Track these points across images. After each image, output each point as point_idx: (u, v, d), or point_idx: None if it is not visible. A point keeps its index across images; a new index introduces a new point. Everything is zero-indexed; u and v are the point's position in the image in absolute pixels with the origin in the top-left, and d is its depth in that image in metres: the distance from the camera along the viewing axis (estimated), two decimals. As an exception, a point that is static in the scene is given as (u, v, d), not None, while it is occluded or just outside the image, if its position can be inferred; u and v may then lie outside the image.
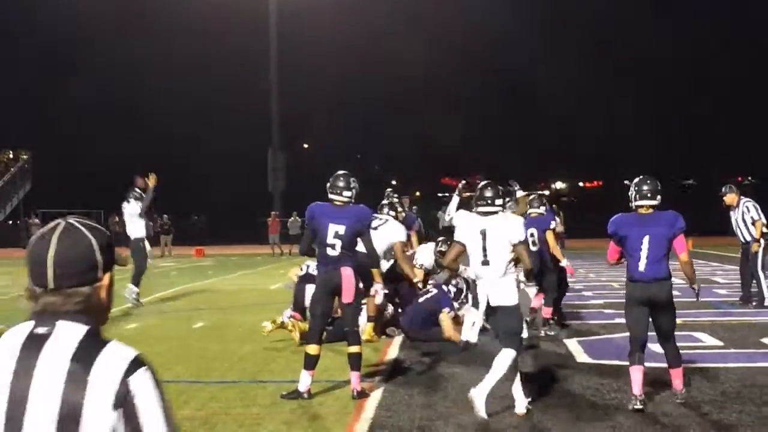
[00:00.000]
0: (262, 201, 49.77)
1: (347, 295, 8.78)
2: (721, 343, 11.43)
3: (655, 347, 11.03)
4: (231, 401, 8.57)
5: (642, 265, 8.22)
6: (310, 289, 11.26)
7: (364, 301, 11.05)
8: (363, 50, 70.10)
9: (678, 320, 13.29)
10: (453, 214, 9.13)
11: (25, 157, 55.90)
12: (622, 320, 13.21)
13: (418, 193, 67.25)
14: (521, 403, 8.02)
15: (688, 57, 71.41)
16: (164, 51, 66.67)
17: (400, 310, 12.96)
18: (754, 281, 15.65)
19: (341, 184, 9.09)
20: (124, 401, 2.28)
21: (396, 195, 15.71)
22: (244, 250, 40.59)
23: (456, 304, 12.08)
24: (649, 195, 8.41)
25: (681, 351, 10.73)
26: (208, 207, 66.17)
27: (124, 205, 17.76)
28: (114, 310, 14.44)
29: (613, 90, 72.01)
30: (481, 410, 7.56)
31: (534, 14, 73.48)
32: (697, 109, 72.17)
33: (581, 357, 10.66)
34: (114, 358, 2.34)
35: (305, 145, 75.81)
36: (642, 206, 8.42)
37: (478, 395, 7.69)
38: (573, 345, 11.42)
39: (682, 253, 8.51)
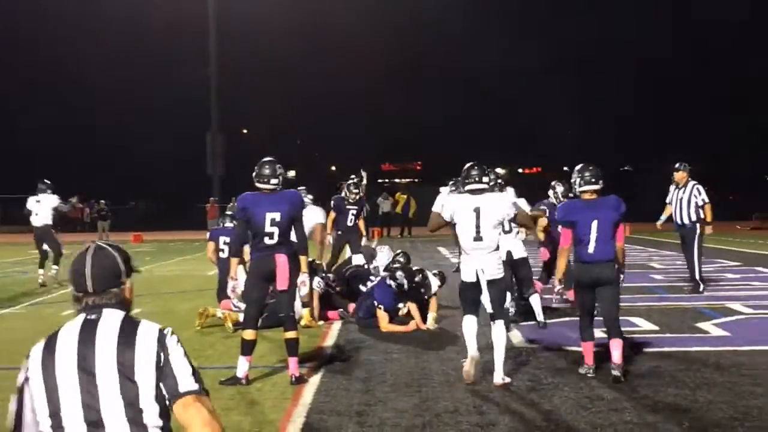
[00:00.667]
0: (200, 187, 49.45)
1: (282, 282, 8.76)
2: (657, 328, 11.55)
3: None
4: (168, 387, 8.49)
5: (591, 248, 8.71)
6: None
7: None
8: (304, 35, 69.78)
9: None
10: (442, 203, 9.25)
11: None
12: (560, 305, 13.47)
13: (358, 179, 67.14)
14: (499, 374, 8.54)
15: (628, 42, 71.94)
16: (101, 31, 65.80)
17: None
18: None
19: (267, 171, 9.08)
20: (161, 356, 3.37)
21: (356, 178, 16.58)
22: (182, 236, 40.30)
23: (401, 305, 12.12)
24: (593, 180, 8.91)
25: (617, 335, 10.90)
26: (146, 193, 65.63)
27: (41, 197, 18.69)
28: (49, 296, 14.33)
29: (548, 74, 72.51)
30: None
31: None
32: (629, 97, 72.86)
33: (519, 341, 10.73)
34: (149, 329, 3.47)
35: (244, 131, 75.38)
36: (587, 191, 8.92)
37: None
38: (512, 329, 11.45)
39: (620, 241, 8.93)
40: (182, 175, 58.68)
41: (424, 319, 11.86)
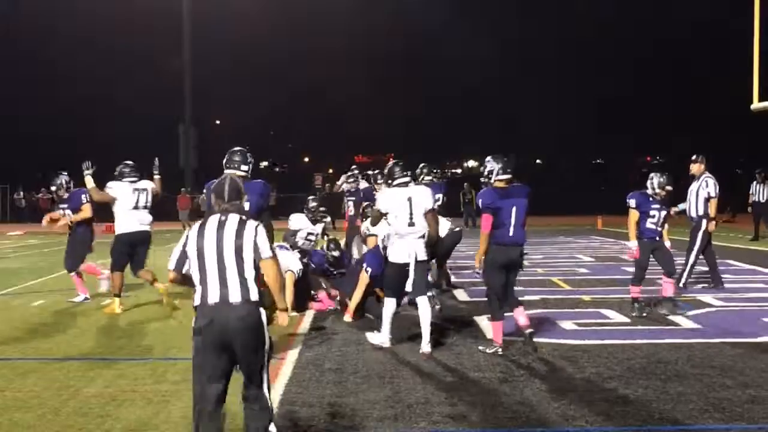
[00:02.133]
0: (172, 177, 49.16)
1: None
2: (628, 320, 11.59)
3: (563, 324, 11.22)
4: (140, 378, 8.48)
5: (511, 232, 9.53)
6: None
7: None
8: (279, 24, 69.53)
9: (587, 297, 13.65)
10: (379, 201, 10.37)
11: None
12: (532, 297, 13.54)
13: (331, 171, 67.09)
14: (426, 345, 9.57)
15: (601, 34, 72.25)
16: (73, 22, 65.33)
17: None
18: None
19: (238, 158, 9.35)
20: (255, 240, 5.83)
21: (356, 170, 17.54)
22: (154, 227, 40.07)
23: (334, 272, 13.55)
24: (509, 170, 9.75)
25: (589, 328, 10.98)
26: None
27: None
28: (19, 287, 14.24)
29: (522, 68, 72.74)
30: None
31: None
32: (605, 90, 73.11)
33: (491, 333, 10.71)
34: (251, 224, 5.88)
35: (217, 122, 75.10)
36: (504, 179, 9.70)
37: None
38: (482, 322, 11.48)
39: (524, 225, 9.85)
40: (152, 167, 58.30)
41: None
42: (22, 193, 54.23)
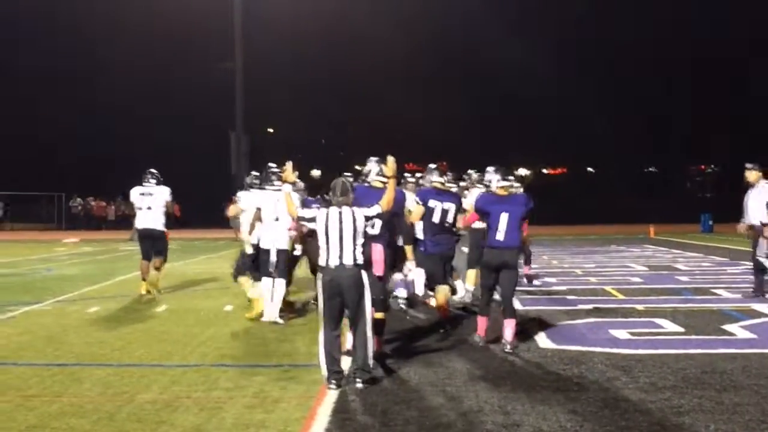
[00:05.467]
0: (225, 185, 49.46)
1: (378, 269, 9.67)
2: (682, 330, 11.49)
3: (617, 333, 11.15)
4: (193, 385, 8.54)
5: (498, 236, 10.29)
6: None
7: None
8: (329, 34, 69.75)
9: (640, 306, 13.56)
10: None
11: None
12: (585, 306, 13.51)
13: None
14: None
15: (649, 42, 71.59)
16: (123, 28, 65.90)
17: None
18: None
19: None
20: (362, 221, 8.64)
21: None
22: (207, 234, 40.40)
23: None
24: (508, 179, 10.76)
25: (643, 337, 10.90)
26: (172, 191, 65.49)
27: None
28: (74, 293, 14.43)
29: (577, 77, 72.27)
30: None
31: None
32: (659, 98, 72.49)
33: (543, 343, 10.69)
34: (359, 211, 8.63)
35: (270, 130, 75.46)
36: (503, 187, 10.63)
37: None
38: (536, 331, 11.45)
39: (526, 232, 11.19)
40: (205, 175, 58.57)
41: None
42: (78, 200, 54.91)
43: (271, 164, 13.18)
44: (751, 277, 15.11)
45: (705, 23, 69.52)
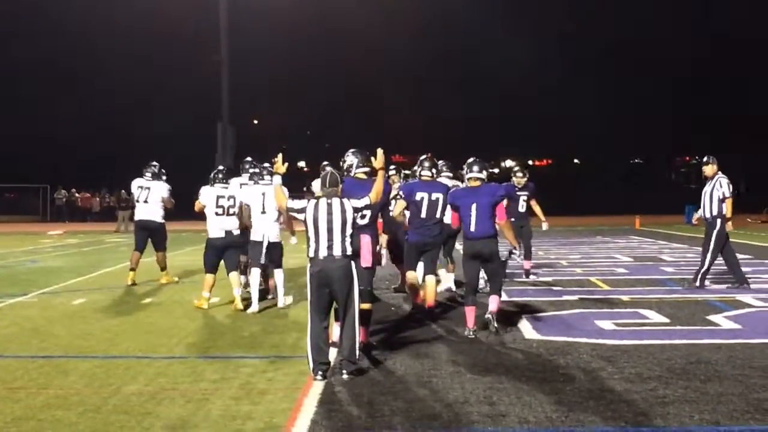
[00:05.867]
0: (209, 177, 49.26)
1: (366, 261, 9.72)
2: (667, 320, 11.53)
3: (602, 324, 11.19)
4: (179, 377, 8.54)
5: (472, 227, 10.64)
6: None
7: None
8: (315, 23, 69.60)
9: (625, 297, 13.61)
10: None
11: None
12: (570, 297, 13.56)
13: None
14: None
15: (641, 38, 71.80)
16: (111, 20, 65.66)
17: None
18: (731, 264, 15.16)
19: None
20: (351, 211, 8.61)
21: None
22: (193, 226, 40.24)
23: None
24: (476, 170, 10.95)
25: (628, 328, 10.96)
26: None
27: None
28: (59, 285, 14.39)
29: (560, 68, 72.38)
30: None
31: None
32: (643, 91, 72.70)
33: (529, 333, 10.71)
34: (347, 203, 8.65)
35: (255, 121, 75.36)
36: (472, 178, 10.98)
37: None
38: (521, 322, 11.48)
39: (501, 220, 11.06)
40: (190, 166, 58.46)
41: None
42: (63, 192, 54.75)
43: (248, 158, 13.69)
44: (720, 268, 15.27)
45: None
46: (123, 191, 42.55)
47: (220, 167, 14.19)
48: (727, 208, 14.79)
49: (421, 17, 74.24)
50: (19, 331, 11.37)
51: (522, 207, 16.21)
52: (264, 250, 12.93)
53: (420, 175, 12.05)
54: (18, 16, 66.21)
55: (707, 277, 15.09)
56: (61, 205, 54.37)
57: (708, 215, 14.95)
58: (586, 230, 34.79)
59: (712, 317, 11.71)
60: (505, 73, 71.73)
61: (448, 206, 11.43)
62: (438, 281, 12.87)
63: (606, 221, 42.41)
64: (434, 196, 11.59)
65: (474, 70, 76.70)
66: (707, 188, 15.06)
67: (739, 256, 15.83)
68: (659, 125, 73.80)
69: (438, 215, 11.66)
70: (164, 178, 16.98)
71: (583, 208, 50.83)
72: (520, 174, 16.49)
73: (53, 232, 38.85)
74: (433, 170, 12.08)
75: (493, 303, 10.71)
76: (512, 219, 15.22)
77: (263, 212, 12.90)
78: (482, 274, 11.22)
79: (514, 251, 14.32)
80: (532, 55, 70.21)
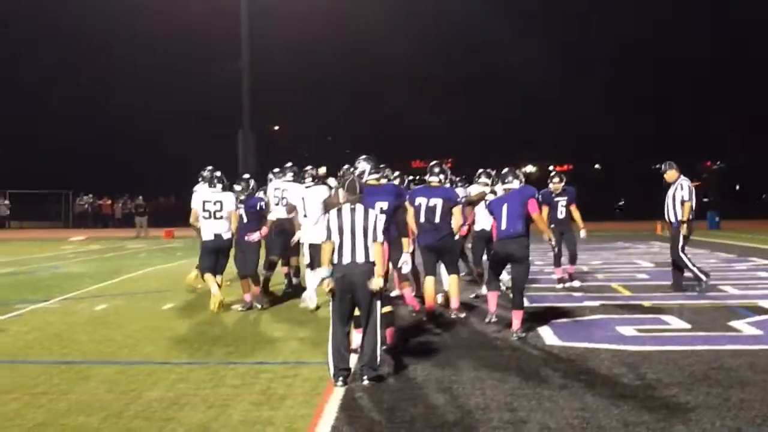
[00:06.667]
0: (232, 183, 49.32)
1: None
2: (689, 326, 11.48)
3: (623, 329, 11.14)
4: (200, 382, 8.56)
5: (503, 224, 11.06)
6: None
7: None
8: (336, 30, 69.68)
9: (647, 303, 13.55)
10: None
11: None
12: (591, 303, 13.52)
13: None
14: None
15: (655, 40, 71.58)
16: (130, 28, 65.94)
17: None
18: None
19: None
20: (375, 222, 8.67)
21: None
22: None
23: None
24: (509, 180, 11.47)
25: (650, 334, 10.90)
26: (177, 188, 65.59)
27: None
28: (81, 291, 14.44)
29: (580, 72, 72.33)
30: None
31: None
32: (662, 94, 72.43)
33: (550, 339, 10.69)
34: (371, 212, 8.77)
35: (276, 127, 75.44)
36: (431, 181, 12.29)
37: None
38: (542, 327, 11.45)
39: (534, 212, 11.19)
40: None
41: None
42: (84, 198, 54.99)
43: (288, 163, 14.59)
44: (759, 273, 15.15)
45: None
46: (140, 197, 42.74)
47: (217, 173, 14.10)
48: (684, 212, 14.82)
49: (440, 22, 74.30)
50: (41, 337, 11.42)
51: (561, 213, 16.12)
52: (307, 252, 13.48)
53: (428, 181, 12.48)
54: (39, 25, 66.61)
55: (702, 270, 15.14)
56: (84, 211, 54.62)
57: (673, 219, 15.03)
58: (607, 236, 34.66)
59: (734, 323, 11.65)
60: (524, 79, 71.54)
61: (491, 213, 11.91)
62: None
63: (627, 227, 42.26)
64: (432, 201, 12.09)
65: (491, 77, 76.64)
66: (670, 192, 15.13)
67: (762, 261, 15.76)
68: (681, 129, 73.42)
69: (437, 220, 12.09)
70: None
71: (604, 213, 50.65)
72: (556, 179, 16.28)
73: (75, 238, 39.03)
74: (441, 176, 12.44)
75: (516, 319, 10.92)
76: (552, 225, 15.24)
77: (305, 216, 13.54)
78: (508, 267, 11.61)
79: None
80: (551, 57, 70.04)
